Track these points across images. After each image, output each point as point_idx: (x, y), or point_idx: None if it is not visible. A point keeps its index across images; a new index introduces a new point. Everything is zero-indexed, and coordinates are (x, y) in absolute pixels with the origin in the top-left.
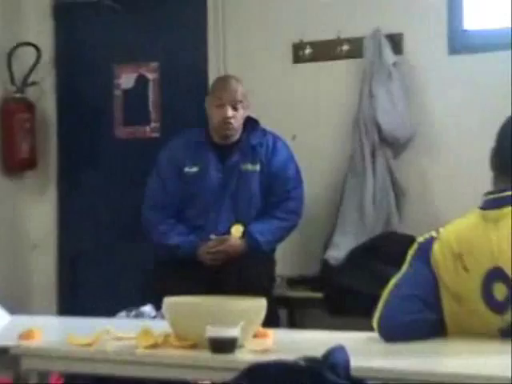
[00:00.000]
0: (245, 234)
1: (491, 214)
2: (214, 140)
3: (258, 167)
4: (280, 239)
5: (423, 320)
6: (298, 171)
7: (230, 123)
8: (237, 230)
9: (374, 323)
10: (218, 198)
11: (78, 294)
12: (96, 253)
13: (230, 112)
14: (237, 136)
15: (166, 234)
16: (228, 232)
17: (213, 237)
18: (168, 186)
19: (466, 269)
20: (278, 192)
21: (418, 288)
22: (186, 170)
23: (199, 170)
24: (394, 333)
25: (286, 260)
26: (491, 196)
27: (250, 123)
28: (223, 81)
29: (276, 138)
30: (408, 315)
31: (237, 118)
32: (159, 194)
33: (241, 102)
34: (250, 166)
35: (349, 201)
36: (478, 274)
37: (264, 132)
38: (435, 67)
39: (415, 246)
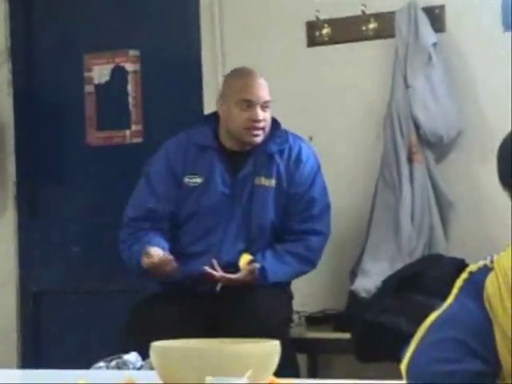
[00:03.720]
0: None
1: None
2: (223, 145)
3: (273, 182)
4: (292, 279)
5: (465, 371)
6: (325, 190)
7: (259, 127)
8: (245, 262)
9: (403, 368)
10: (223, 218)
11: (45, 341)
12: (66, 289)
13: (261, 113)
14: None
15: (132, 247)
16: (234, 263)
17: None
18: (160, 195)
19: None
20: (299, 216)
21: (463, 330)
22: (186, 180)
23: (202, 182)
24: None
25: (305, 293)
26: None
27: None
28: (247, 76)
29: (301, 145)
30: (445, 364)
31: (266, 120)
32: (146, 203)
33: (270, 101)
34: (263, 180)
35: (381, 217)
36: None
37: (286, 136)
38: (486, 47)
39: (465, 276)
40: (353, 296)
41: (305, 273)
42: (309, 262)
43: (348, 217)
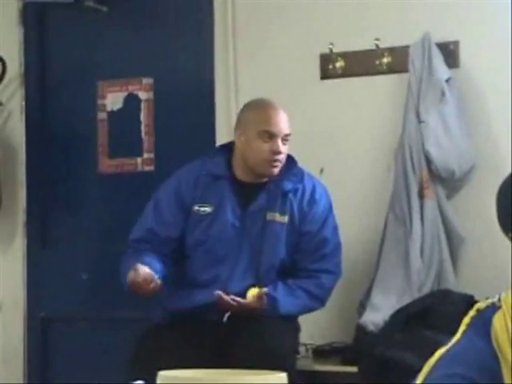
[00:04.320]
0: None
1: None
2: (235, 176)
3: (286, 218)
4: (300, 313)
5: None
6: (336, 230)
7: (279, 159)
8: (252, 295)
9: None
10: (232, 249)
11: (51, 367)
12: (74, 316)
13: (281, 146)
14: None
15: (127, 263)
16: (241, 295)
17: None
18: (165, 220)
19: None
20: (311, 255)
21: (471, 367)
22: (196, 208)
23: (212, 212)
24: None
25: (313, 325)
26: None
27: (286, 161)
28: (269, 107)
29: (315, 184)
30: None
31: (285, 153)
32: (148, 225)
33: (288, 134)
34: (277, 216)
35: (390, 251)
36: None
37: (301, 174)
38: (500, 83)
39: (473, 314)
40: (361, 329)
41: (313, 309)
42: (318, 300)
43: (357, 249)
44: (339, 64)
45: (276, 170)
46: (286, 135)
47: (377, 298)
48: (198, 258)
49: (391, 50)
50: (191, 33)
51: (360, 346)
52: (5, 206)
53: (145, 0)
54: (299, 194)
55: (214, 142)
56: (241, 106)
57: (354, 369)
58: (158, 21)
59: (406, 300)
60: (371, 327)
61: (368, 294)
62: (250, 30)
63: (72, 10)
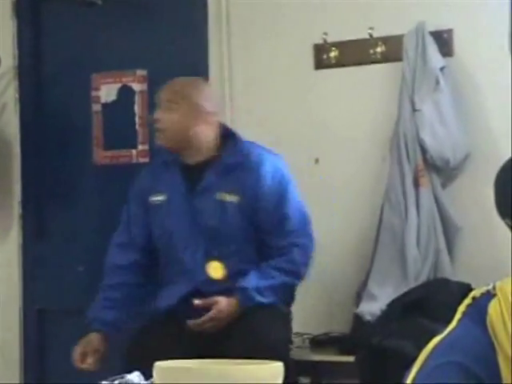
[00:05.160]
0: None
1: None
2: (181, 159)
3: (236, 198)
4: (285, 298)
5: None
6: (298, 203)
7: (157, 128)
8: (216, 271)
9: None
10: (189, 236)
11: (48, 359)
12: (70, 308)
13: (158, 113)
14: (208, 154)
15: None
16: (209, 283)
17: (197, 302)
18: (133, 225)
19: None
20: (274, 232)
21: (467, 355)
22: (151, 199)
23: (165, 199)
24: None
25: (309, 315)
26: None
27: (231, 137)
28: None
29: (263, 159)
30: None
31: (166, 121)
32: (127, 231)
33: (171, 101)
34: (226, 196)
35: (386, 240)
36: None
37: (247, 149)
38: (494, 72)
39: (468, 302)
40: (358, 319)
41: (291, 285)
42: (294, 275)
43: (353, 240)
44: (333, 54)
45: (158, 141)
46: (164, 101)
47: (373, 287)
48: (161, 253)
49: (385, 39)
50: (185, 24)
51: (357, 336)
52: (0, 199)
53: None
54: (246, 170)
55: None
56: (235, 96)
57: (350, 358)
58: (151, 12)
59: (403, 289)
60: (368, 317)
61: (365, 283)
62: (243, 21)
63: (66, 2)
